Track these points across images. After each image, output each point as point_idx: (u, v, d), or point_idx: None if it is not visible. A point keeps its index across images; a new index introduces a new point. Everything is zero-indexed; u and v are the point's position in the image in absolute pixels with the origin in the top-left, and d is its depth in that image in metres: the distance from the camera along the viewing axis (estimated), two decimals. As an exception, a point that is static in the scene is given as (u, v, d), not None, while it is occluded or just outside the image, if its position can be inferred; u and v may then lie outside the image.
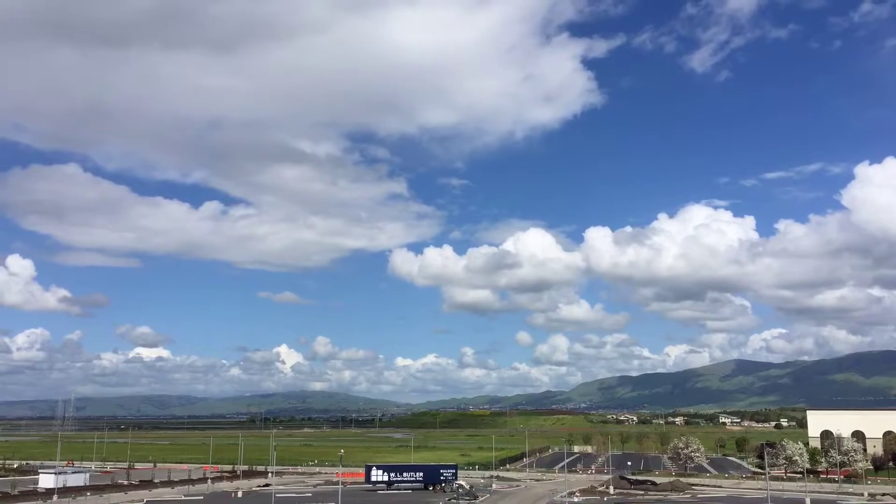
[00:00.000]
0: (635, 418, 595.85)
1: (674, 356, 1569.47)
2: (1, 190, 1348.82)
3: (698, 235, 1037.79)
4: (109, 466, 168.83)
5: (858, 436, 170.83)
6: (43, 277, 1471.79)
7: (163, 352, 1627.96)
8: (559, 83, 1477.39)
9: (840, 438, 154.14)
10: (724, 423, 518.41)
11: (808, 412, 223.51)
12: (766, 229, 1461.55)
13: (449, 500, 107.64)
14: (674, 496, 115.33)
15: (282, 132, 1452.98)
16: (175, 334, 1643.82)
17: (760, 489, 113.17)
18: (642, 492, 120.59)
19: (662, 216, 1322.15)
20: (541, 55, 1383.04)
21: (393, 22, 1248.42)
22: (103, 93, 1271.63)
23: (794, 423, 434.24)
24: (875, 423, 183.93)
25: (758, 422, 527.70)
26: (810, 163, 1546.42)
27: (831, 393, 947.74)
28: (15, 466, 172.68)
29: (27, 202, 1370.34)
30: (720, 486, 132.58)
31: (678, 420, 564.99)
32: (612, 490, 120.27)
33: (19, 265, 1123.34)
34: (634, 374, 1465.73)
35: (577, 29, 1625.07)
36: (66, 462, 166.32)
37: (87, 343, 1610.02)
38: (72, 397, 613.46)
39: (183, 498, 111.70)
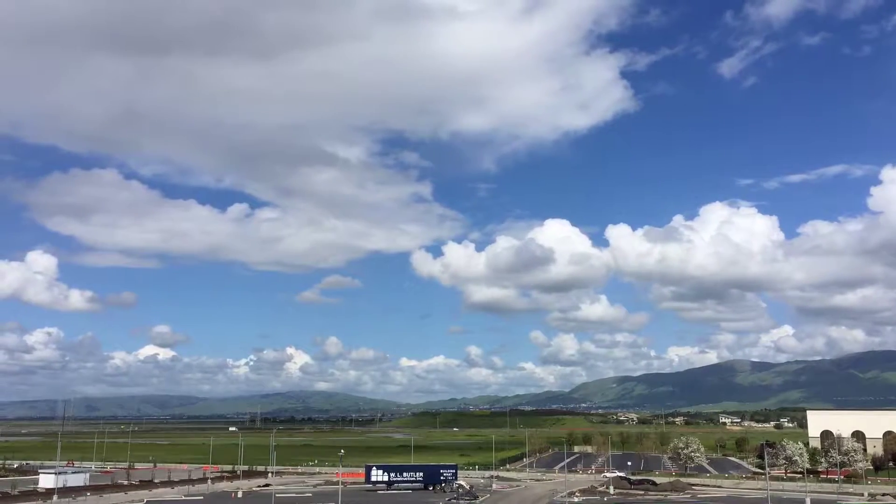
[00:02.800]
0: (635, 418, 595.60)
1: (686, 355, 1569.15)
2: (32, 192, 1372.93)
3: (721, 236, 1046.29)
4: (109, 466, 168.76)
5: (858, 436, 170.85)
6: (63, 277, 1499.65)
7: (172, 352, 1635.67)
8: (596, 92, 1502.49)
9: (840, 438, 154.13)
10: (724, 423, 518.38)
11: (808, 412, 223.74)
12: (788, 231, 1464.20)
13: (449, 500, 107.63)
14: (674, 496, 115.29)
15: (315, 136, 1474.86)
16: (191, 335, 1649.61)
17: (760, 489, 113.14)
18: (642, 492, 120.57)
19: (684, 217, 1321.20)
20: (581, 66, 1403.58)
21: (436, 32, 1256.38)
22: (141, 98, 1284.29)
23: (794, 424, 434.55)
24: (875, 423, 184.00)
25: (758, 422, 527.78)
26: (833, 165, 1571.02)
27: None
28: (15, 466, 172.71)
29: (55, 204, 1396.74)
30: (720, 486, 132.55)
31: (678, 420, 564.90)
32: (612, 490, 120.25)
33: (40, 264, 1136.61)
34: (643, 372, 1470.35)
35: (618, 40, 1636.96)
36: (66, 462, 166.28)
37: (100, 343, 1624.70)
38: (72, 398, 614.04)
39: (183, 498, 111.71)
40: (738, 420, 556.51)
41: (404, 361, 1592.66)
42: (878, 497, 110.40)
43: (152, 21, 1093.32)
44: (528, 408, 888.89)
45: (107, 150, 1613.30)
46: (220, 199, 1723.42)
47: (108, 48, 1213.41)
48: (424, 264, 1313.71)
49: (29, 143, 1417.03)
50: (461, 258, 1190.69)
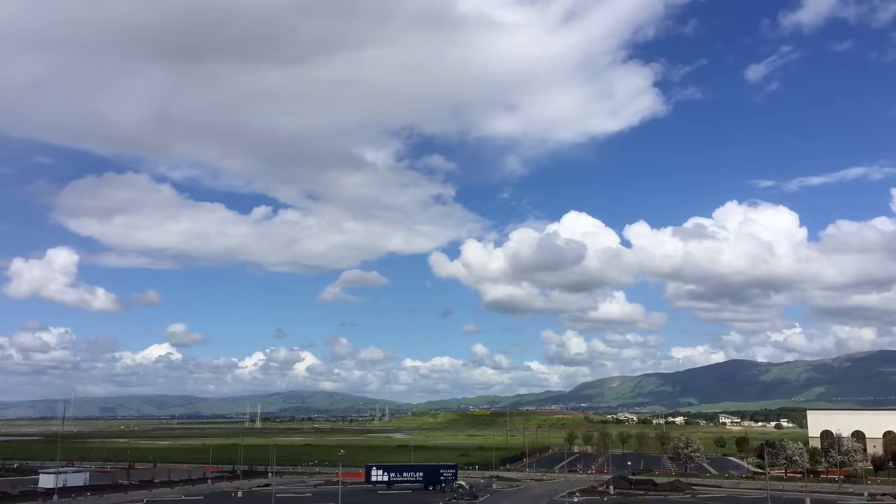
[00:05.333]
0: (635, 418, 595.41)
1: (699, 354, 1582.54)
2: (59, 195, 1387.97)
3: (740, 236, 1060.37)
4: (109, 466, 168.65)
5: (858, 436, 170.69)
6: (81, 277, 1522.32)
7: (185, 353, 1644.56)
8: (627, 99, 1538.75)
9: (840, 438, 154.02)
10: (724, 423, 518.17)
11: (808, 412, 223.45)
12: (808, 231, 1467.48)
13: (449, 500, 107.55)
14: (674, 496, 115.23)
15: (345, 140, 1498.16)
16: (204, 336, 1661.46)
17: (760, 489, 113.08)
18: (642, 492, 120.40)
19: (704, 218, 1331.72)
20: (615, 75, 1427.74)
21: (472, 41, 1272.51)
22: (175, 103, 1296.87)
23: (794, 424, 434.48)
24: (875, 423, 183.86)
25: (757, 422, 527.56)
26: (852, 168, 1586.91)
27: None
28: (15, 466, 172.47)
29: (81, 206, 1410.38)
30: (720, 486, 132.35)
31: (678, 420, 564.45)
32: (612, 490, 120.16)
33: (58, 264, 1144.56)
34: (652, 371, 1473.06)
35: (654, 48, 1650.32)
36: (66, 462, 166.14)
37: (111, 343, 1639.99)
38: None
39: (183, 498, 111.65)
40: (738, 420, 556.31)
41: (409, 362, 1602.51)
42: (878, 497, 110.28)
43: (195, 29, 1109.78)
44: (529, 408, 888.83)
45: (139, 154, 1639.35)
46: (245, 201, 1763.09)
47: (147, 55, 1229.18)
48: (442, 264, 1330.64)
49: (64, 147, 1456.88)
50: (479, 258, 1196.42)
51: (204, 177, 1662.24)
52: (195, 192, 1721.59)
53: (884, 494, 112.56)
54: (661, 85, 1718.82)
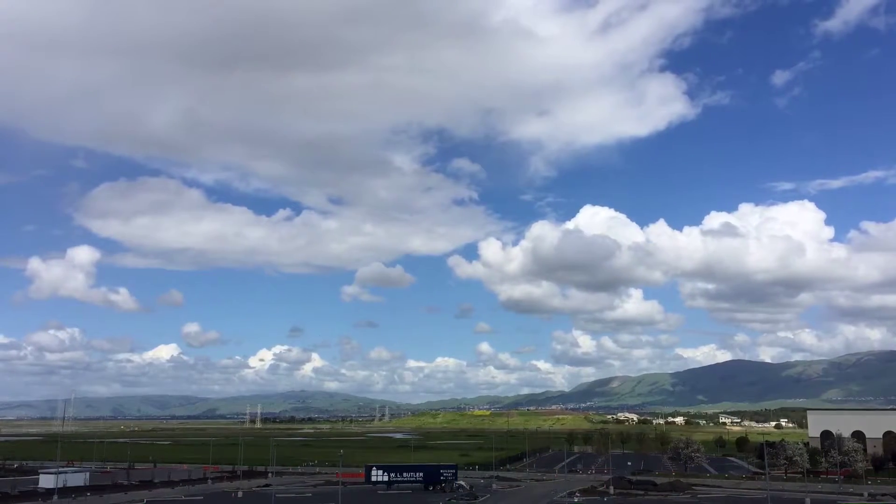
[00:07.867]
0: (635, 418, 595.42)
1: (711, 353, 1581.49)
2: (86, 198, 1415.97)
3: (760, 237, 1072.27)
4: (109, 466, 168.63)
5: (858, 436, 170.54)
6: (99, 277, 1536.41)
7: (191, 354, 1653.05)
8: (656, 106, 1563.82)
9: (840, 438, 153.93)
10: (724, 423, 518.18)
11: (808, 412, 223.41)
12: (829, 232, 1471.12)
13: (449, 500, 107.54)
14: (674, 496, 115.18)
15: (372, 144, 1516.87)
16: (221, 335, 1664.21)
17: (760, 489, 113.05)
18: (642, 492, 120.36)
19: (724, 218, 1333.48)
20: (647, 83, 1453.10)
21: (509, 50, 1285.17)
22: (206, 109, 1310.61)
23: (794, 424, 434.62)
24: (875, 424, 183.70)
25: (758, 422, 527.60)
26: (871, 171, 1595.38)
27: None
28: (15, 466, 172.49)
29: (106, 209, 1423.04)
30: (720, 487, 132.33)
31: (678, 420, 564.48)
32: (612, 490, 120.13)
33: (75, 265, 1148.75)
34: (657, 371, 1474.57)
35: (687, 57, 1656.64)
36: (66, 462, 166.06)
37: (123, 343, 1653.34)
38: (71, 397, 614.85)
39: (183, 498, 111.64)
40: (738, 420, 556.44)
41: (412, 363, 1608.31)
42: (878, 497, 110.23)
43: (230, 37, 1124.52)
44: (530, 408, 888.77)
45: (171, 158, 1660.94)
46: (271, 205, 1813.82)
47: (182, 62, 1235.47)
48: (461, 265, 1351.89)
49: (99, 151, 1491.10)
50: (498, 258, 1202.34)
51: (234, 180, 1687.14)
52: (223, 195, 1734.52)
53: (884, 494, 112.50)
54: (691, 92, 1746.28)
